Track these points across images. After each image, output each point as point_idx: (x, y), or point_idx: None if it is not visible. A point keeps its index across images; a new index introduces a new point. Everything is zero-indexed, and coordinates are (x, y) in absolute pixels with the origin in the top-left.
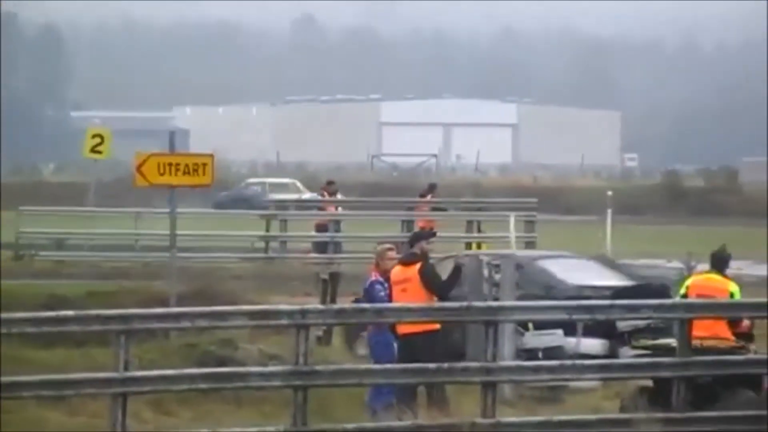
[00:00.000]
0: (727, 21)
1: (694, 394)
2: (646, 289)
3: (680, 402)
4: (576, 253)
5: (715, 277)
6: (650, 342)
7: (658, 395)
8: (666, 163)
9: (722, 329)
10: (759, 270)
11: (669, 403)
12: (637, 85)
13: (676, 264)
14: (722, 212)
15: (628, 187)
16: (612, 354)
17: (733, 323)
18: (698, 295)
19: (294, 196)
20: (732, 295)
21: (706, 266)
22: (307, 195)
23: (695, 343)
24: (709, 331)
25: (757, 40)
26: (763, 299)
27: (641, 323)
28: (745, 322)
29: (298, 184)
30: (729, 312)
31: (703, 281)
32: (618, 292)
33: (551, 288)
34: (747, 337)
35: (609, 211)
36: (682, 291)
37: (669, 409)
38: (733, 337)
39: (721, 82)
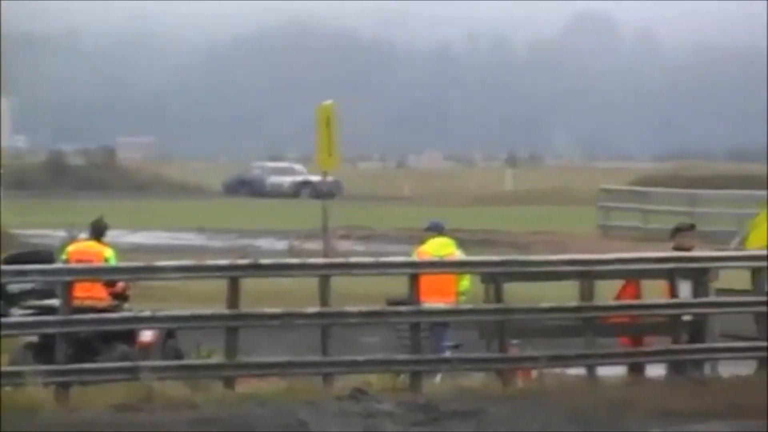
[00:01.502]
0: (219, 18)
1: (76, 349)
2: (33, 255)
3: (63, 355)
4: None
5: (93, 244)
6: (36, 302)
7: (43, 350)
8: (52, 144)
9: (99, 290)
10: (132, 238)
11: (53, 357)
12: (26, 73)
13: (62, 233)
14: (101, 186)
15: (18, 164)
16: (3, 314)
17: (110, 285)
18: (77, 260)
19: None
20: (107, 260)
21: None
22: (300, 177)
23: (76, 303)
24: (87, 292)
25: (250, 36)
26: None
27: (28, 286)
28: (120, 284)
29: (295, 166)
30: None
31: (82, 248)
32: (8, 259)
33: None
34: (122, 297)
35: None
36: (64, 257)
37: (53, 362)
38: (108, 297)
39: (102, 71)
